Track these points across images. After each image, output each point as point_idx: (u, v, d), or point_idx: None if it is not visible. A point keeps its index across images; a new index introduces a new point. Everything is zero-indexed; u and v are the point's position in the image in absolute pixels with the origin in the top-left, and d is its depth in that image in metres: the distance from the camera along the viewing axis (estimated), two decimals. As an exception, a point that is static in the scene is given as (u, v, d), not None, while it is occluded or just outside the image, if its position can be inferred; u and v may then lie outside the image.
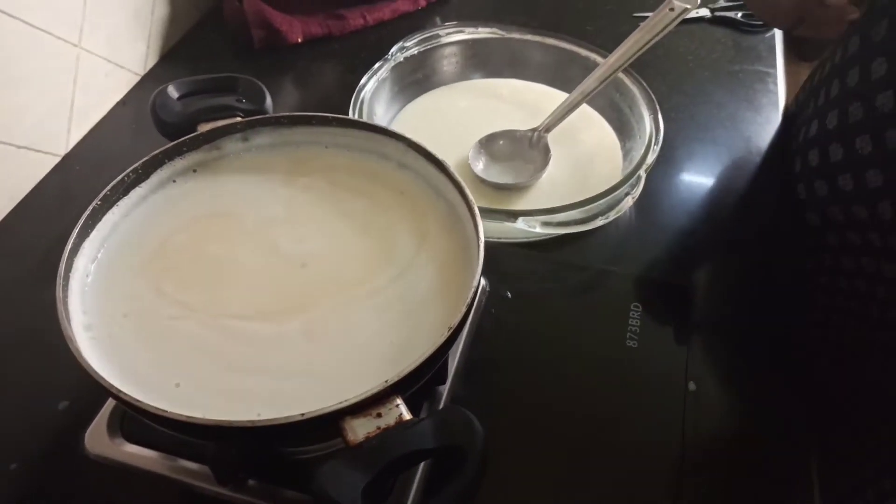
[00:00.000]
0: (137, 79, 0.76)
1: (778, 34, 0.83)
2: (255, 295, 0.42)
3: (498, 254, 0.57)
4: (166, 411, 0.34)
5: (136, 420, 0.47)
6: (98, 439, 0.46)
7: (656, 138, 0.60)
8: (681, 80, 0.77)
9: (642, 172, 0.57)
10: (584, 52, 0.70)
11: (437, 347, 0.36)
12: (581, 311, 0.55)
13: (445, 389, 0.48)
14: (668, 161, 0.66)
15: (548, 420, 0.49)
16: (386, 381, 0.34)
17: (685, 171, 0.67)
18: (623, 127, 0.67)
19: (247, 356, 0.39)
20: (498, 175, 0.64)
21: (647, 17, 0.84)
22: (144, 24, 0.76)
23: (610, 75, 0.65)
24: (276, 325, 0.40)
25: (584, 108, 0.67)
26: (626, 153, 0.65)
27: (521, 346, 0.53)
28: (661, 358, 0.51)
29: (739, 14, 0.84)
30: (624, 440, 0.48)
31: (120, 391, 0.35)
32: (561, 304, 0.56)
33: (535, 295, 0.56)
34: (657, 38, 0.64)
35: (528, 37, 0.72)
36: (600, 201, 0.55)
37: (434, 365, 0.36)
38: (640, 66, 0.65)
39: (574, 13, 0.86)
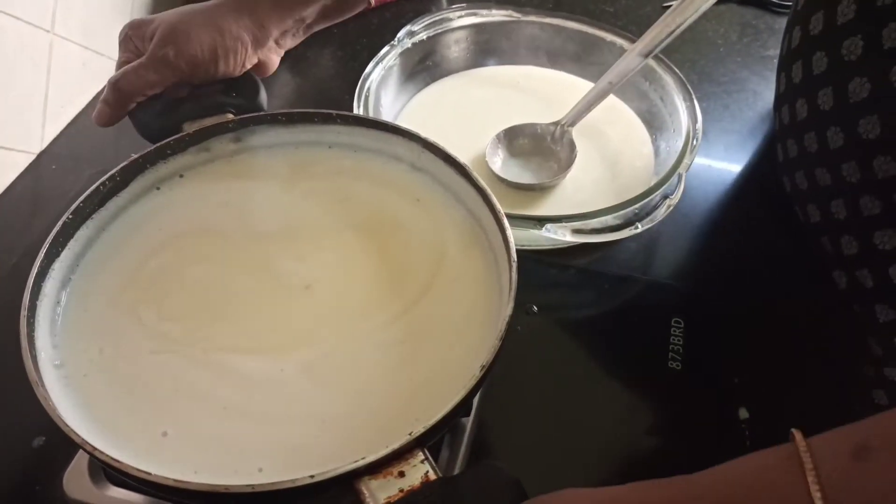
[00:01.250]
0: (119, 67, 0.70)
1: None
2: (249, 325, 0.36)
3: (519, 262, 0.52)
4: (150, 474, 0.29)
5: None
6: (78, 482, 0.41)
7: (694, 133, 0.54)
8: (711, 68, 0.71)
9: (682, 171, 0.51)
10: (609, 36, 0.64)
11: (468, 391, 0.30)
12: (615, 326, 0.49)
13: (469, 421, 0.43)
14: (703, 156, 0.60)
15: (581, 453, 0.43)
16: (410, 434, 0.29)
17: (723, 167, 0.61)
18: (654, 120, 0.61)
19: (242, 398, 0.33)
20: (518, 174, 0.58)
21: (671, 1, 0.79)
22: (125, 7, 0.69)
23: (640, 62, 0.59)
24: (274, 361, 0.35)
25: (611, 98, 0.61)
26: (658, 149, 0.60)
27: (549, 367, 0.48)
28: (709, 382, 0.46)
29: (771, -7, 0.78)
30: (668, 472, 0.42)
31: (95, 448, 0.30)
32: (592, 319, 0.50)
33: (562, 309, 0.51)
34: (690, 20, 0.58)
35: (548, 20, 0.66)
36: (636, 205, 0.49)
37: (463, 410, 0.32)
38: (665, 53, 0.59)
39: (592, -7, 0.79)
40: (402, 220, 0.41)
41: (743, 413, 0.44)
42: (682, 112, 0.57)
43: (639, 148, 0.60)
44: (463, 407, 0.31)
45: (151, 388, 0.34)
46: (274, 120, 0.44)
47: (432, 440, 0.30)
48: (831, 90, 0.45)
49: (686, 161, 0.52)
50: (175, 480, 0.28)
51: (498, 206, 0.39)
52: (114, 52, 0.70)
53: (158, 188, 0.42)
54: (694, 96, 0.56)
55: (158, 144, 0.42)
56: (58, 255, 0.37)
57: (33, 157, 0.61)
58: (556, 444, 0.44)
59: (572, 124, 0.60)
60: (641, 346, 0.48)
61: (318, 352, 0.35)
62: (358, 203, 0.42)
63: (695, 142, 0.53)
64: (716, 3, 0.76)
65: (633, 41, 0.62)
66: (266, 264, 0.39)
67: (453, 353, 0.35)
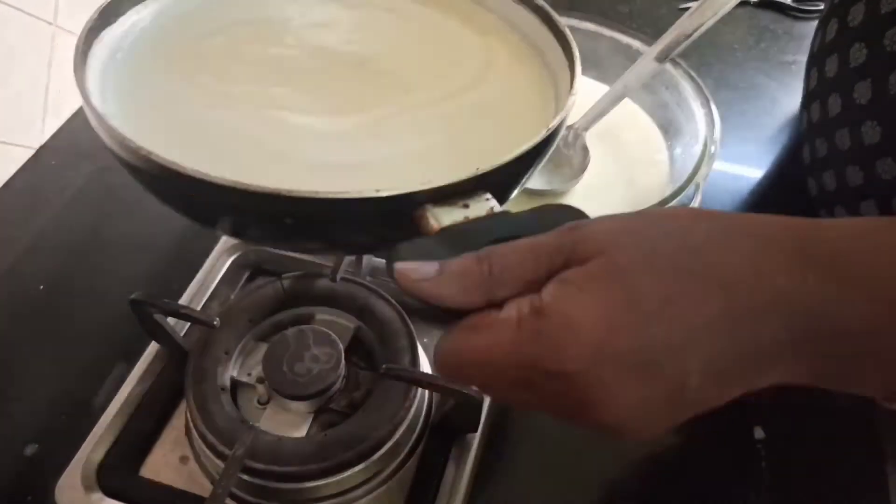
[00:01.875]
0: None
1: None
2: (308, 92, 0.35)
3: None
4: (210, 175, 0.25)
5: (115, 469, 0.41)
6: (71, 492, 0.40)
7: (712, 142, 0.52)
8: (728, 73, 0.69)
9: (699, 181, 0.50)
10: (625, 38, 0.62)
11: (535, 144, 0.29)
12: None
13: (476, 438, 0.41)
14: (720, 164, 0.59)
15: (590, 473, 0.42)
16: (477, 169, 0.27)
17: (741, 174, 0.60)
18: (670, 126, 0.60)
19: (300, 148, 0.32)
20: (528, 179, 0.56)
21: (687, 3, 0.77)
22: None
23: (656, 67, 0.57)
24: (333, 121, 0.33)
25: (626, 102, 0.60)
26: (674, 156, 0.58)
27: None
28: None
29: (790, -2, 0.76)
30: (681, 493, 0.41)
31: (150, 152, 0.26)
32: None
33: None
34: (708, 24, 0.57)
35: (561, 20, 0.64)
36: (652, 214, 0.48)
37: (527, 168, 0.31)
38: (681, 57, 0.57)
39: (606, -7, 0.78)
40: (453, 29, 0.40)
41: (758, 433, 0.43)
42: (699, 119, 0.55)
43: (654, 154, 0.58)
44: (528, 161, 0.30)
45: (203, 137, 0.32)
46: None
47: (498, 188, 0.28)
48: (870, 83, 0.43)
49: (703, 170, 0.51)
50: (235, 181, 0.25)
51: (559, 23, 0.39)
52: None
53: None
54: (712, 103, 0.55)
55: None
56: (109, 23, 0.35)
57: (33, 151, 0.60)
58: (565, 464, 0.42)
59: (585, 128, 0.58)
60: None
61: (378, 115, 0.34)
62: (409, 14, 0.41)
63: (712, 150, 0.51)
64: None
65: (649, 44, 0.60)
66: (323, 46, 0.38)
67: (516, 127, 0.35)
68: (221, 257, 0.51)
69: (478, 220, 0.26)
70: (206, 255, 0.51)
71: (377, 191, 0.25)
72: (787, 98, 0.66)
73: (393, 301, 0.44)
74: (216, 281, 0.50)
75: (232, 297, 0.49)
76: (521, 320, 0.23)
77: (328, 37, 0.39)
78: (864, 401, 0.44)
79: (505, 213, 0.27)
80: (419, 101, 0.35)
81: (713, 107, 0.55)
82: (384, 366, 0.39)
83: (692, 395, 0.23)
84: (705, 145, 0.52)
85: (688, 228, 0.24)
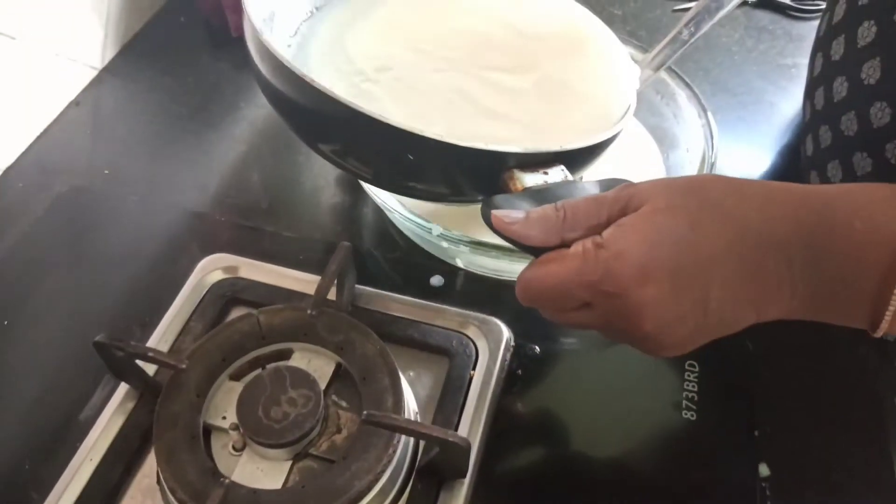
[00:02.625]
0: (94, 73, 0.65)
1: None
2: (496, 53, 0.45)
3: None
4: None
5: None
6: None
7: (711, 156, 0.50)
8: (726, 77, 0.66)
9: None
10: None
11: (605, 139, 0.40)
12: (626, 369, 0.45)
13: (465, 484, 0.39)
14: (717, 172, 0.56)
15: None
16: (560, 147, 0.36)
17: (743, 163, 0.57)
18: (665, 136, 0.57)
19: (497, 103, 0.42)
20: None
21: (681, 4, 0.74)
22: (100, 9, 0.65)
23: (651, 75, 0.55)
24: (517, 77, 0.44)
25: (620, 112, 0.57)
26: (670, 167, 0.55)
27: (552, 417, 0.44)
28: (726, 434, 0.42)
29: (789, -4, 0.73)
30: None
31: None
32: (601, 360, 0.46)
33: (569, 349, 0.47)
34: (706, 28, 0.54)
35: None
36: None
37: (595, 154, 0.41)
38: (677, 62, 0.54)
39: (599, -6, 0.75)
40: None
41: (763, 470, 0.41)
42: (696, 130, 0.53)
43: (649, 166, 0.56)
44: (597, 149, 0.40)
45: (429, 98, 0.41)
46: None
47: (572, 161, 0.37)
48: (879, 61, 0.41)
49: (708, 166, 0.48)
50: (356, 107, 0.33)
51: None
52: (89, 57, 0.66)
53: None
54: (710, 114, 0.52)
55: None
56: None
57: (-1, 172, 0.57)
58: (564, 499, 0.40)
59: (578, 142, 0.56)
60: (653, 394, 0.44)
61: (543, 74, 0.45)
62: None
63: (711, 166, 0.49)
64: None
65: (644, 51, 0.58)
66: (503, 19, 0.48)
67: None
68: (197, 286, 0.48)
69: (554, 184, 0.35)
70: (182, 281, 0.48)
71: (484, 144, 0.34)
72: (786, 103, 0.64)
73: (374, 335, 0.42)
74: (191, 311, 0.47)
75: (205, 330, 0.46)
76: (585, 252, 0.30)
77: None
78: (874, 436, 0.42)
79: (575, 182, 0.35)
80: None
81: (710, 117, 0.53)
82: (365, 413, 0.36)
83: (713, 312, 0.30)
84: (704, 160, 0.50)
85: (712, 186, 0.31)
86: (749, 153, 0.60)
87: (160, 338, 0.45)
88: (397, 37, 0.45)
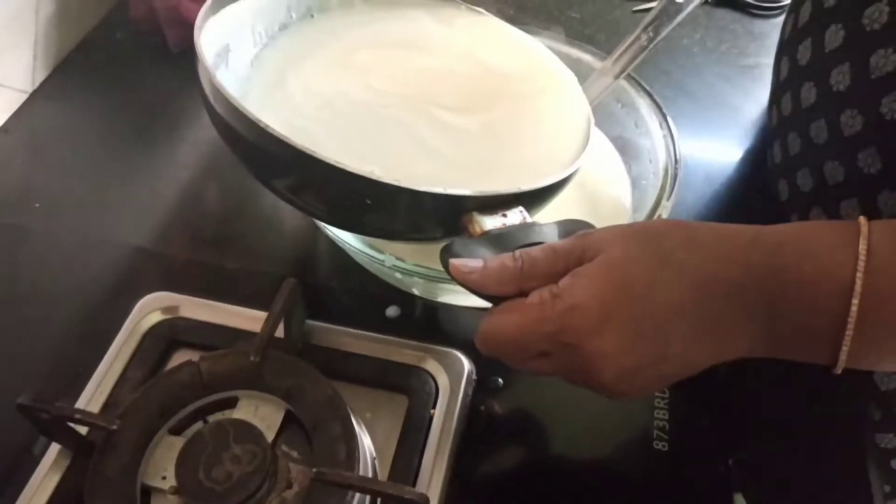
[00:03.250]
0: (24, 97, 0.61)
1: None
2: (449, 92, 0.44)
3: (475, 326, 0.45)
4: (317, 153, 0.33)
5: None
6: None
7: (674, 171, 0.48)
8: (688, 81, 0.64)
9: (663, 214, 0.45)
10: (576, 52, 0.57)
11: (563, 178, 0.40)
12: (593, 401, 0.43)
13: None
14: (681, 185, 0.54)
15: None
16: (519, 188, 0.36)
17: (703, 196, 0.56)
18: (627, 146, 0.55)
19: (442, 144, 0.41)
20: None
21: (641, 4, 0.72)
22: (27, 28, 0.61)
23: (611, 83, 0.53)
24: (466, 118, 0.43)
25: (579, 123, 0.55)
26: (634, 178, 0.53)
27: (519, 453, 0.42)
28: (700, 464, 0.40)
29: (748, -6, 0.72)
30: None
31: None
32: (566, 391, 0.43)
33: (532, 380, 0.44)
34: (666, 33, 0.52)
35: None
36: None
37: (554, 193, 0.40)
38: (637, 66, 0.53)
39: (556, -4, 0.72)
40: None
41: (740, 501, 0.39)
42: (658, 142, 0.51)
43: (614, 180, 0.54)
44: (555, 189, 0.40)
45: (372, 134, 0.40)
46: None
47: (530, 201, 0.37)
48: (848, 67, 0.40)
49: (666, 202, 0.46)
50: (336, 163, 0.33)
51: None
52: (17, 81, 0.61)
53: (313, 16, 0.48)
54: (671, 123, 0.50)
55: None
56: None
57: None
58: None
59: (537, 156, 0.53)
60: (623, 427, 0.42)
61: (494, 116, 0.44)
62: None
63: (675, 181, 0.47)
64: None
65: (602, 58, 0.55)
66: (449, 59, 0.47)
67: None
68: (134, 330, 0.45)
69: (513, 227, 0.35)
70: (119, 324, 0.45)
71: (443, 189, 0.34)
72: (750, 106, 0.62)
73: (325, 379, 0.39)
74: (128, 358, 0.44)
75: (144, 378, 0.43)
76: (542, 303, 0.31)
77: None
78: (851, 461, 0.41)
79: (534, 224, 0.36)
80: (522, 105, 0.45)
81: (672, 127, 0.51)
82: (315, 471, 0.34)
83: (673, 360, 0.30)
84: (666, 175, 0.48)
85: (665, 234, 0.32)
86: (713, 160, 0.58)
87: (95, 389, 0.42)
88: (347, 73, 0.44)
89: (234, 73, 0.44)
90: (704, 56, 0.67)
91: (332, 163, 0.33)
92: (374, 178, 0.33)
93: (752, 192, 0.54)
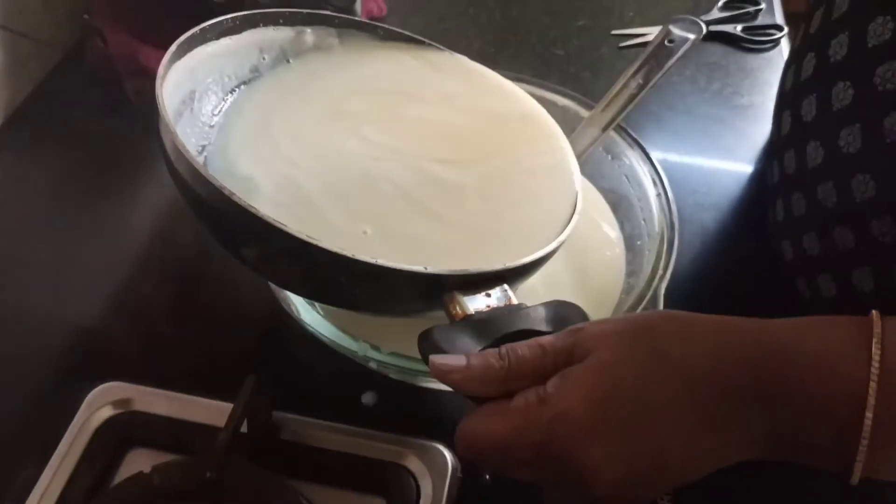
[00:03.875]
0: (-29, 153, 0.57)
1: (785, 47, 0.68)
2: (443, 145, 0.42)
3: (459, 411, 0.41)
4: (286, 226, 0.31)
5: None
6: None
7: (671, 235, 0.44)
8: (680, 124, 0.61)
9: (660, 289, 0.42)
10: (561, 100, 0.54)
11: (548, 251, 0.37)
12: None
13: None
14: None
15: None
16: (504, 265, 0.34)
17: (699, 254, 0.52)
18: (620, 202, 0.51)
19: (435, 202, 0.39)
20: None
21: (627, 34, 0.69)
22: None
23: (598, 135, 0.49)
24: (460, 173, 0.41)
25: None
26: (629, 239, 0.50)
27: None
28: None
29: (739, 27, 0.69)
30: None
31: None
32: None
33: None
34: (658, 79, 0.49)
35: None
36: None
37: (539, 266, 0.38)
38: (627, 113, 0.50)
39: (538, 31, 0.69)
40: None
41: None
42: (652, 201, 0.47)
43: (605, 241, 0.50)
44: (541, 262, 0.37)
45: (363, 191, 0.38)
46: (373, 30, 0.47)
47: (517, 276, 0.36)
48: (859, 129, 0.37)
49: (662, 271, 0.43)
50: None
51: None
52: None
53: (288, 61, 0.45)
54: (666, 184, 0.47)
55: (275, 10, 0.45)
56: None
57: None
58: None
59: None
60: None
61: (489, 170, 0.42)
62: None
63: (671, 249, 0.43)
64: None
65: (589, 106, 0.52)
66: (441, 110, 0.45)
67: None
68: (83, 428, 0.40)
69: (497, 309, 0.33)
70: (67, 421, 0.41)
71: (425, 268, 0.32)
72: (744, 150, 0.59)
73: (293, 489, 0.35)
74: (76, 461, 0.39)
75: (94, 483, 0.39)
76: (528, 408, 0.28)
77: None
78: None
79: (519, 307, 0.33)
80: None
81: (666, 185, 0.47)
82: None
83: (673, 467, 0.28)
84: (662, 241, 0.44)
85: (660, 331, 0.30)
86: (708, 211, 0.55)
87: (39, 499, 0.38)
88: (340, 122, 0.42)
89: (200, 120, 0.41)
90: (696, 96, 0.64)
91: (305, 239, 0.31)
92: (350, 256, 0.31)
93: (752, 250, 0.50)
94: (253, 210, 0.31)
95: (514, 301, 0.34)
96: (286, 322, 0.46)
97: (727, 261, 0.52)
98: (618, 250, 0.50)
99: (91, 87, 0.62)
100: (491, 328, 0.32)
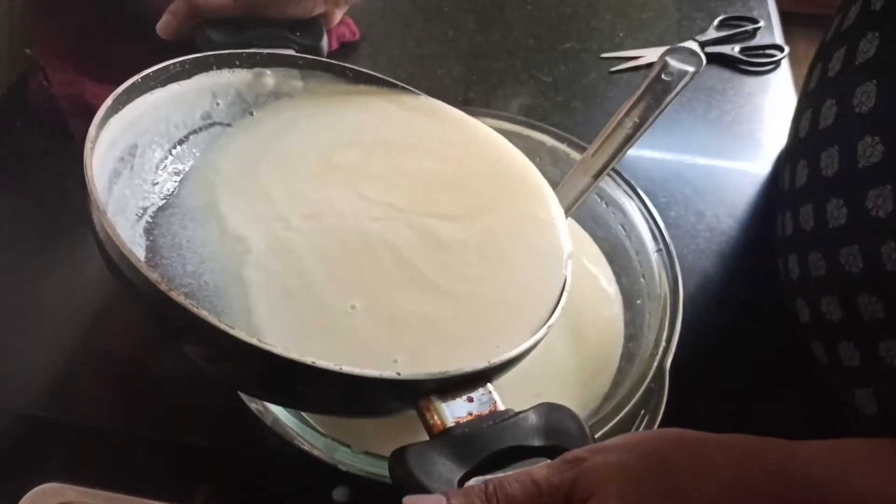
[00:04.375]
0: None
1: (786, 69, 0.64)
2: (440, 200, 0.39)
3: None
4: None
5: None
6: None
7: (675, 300, 0.40)
8: (676, 160, 0.57)
9: (666, 362, 0.37)
10: (550, 140, 0.49)
11: (533, 343, 0.34)
12: None
13: None
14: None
15: None
16: (489, 362, 0.31)
17: (708, 299, 0.48)
18: (615, 253, 0.47)
19: (432, 268, 0.36)
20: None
21: (618, 57, 0.64)
22: None
23: (590, 184, 0.45)
24: (462, 228, 0.38)
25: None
26: (627, 295, 0.45)
27: None
28: None
29: (736, 48, 0.64)
30: None
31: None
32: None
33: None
34: (656, 118, 0.45)
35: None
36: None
37: (524, 357, 0.34)
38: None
39: (523, 56, 0.64)
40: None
41: None
42: (652, 257, 0.43)
43: (602, 297, 0.46)
44: (525, 354, 0.33)
45: (357, 255, 0.35)
46: (341, 72, 0.44)
47: (501, 371, 0.32)
48: (890, 190, 0.33)
49: (666, 343, 0.38)
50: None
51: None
52: None
53: (252, 113, 0.42)
54: (668, 240, 0.42)
55: (230, 52, 0.41)
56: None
57: None
58: None
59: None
60: None
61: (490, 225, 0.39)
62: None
63: (676, 318, 0.39)
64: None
65: (580, 149, 0.48)
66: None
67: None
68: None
69: (481, 419, 0.29)
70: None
71: (395, 373, 0.29)
72: (748, 185, 0.55)
73: None
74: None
75: None
76: None
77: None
78: None
79: (505, 416, 0.29)
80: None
81: (668, 240, 0.43)
82: None
83: None
84: (665, 307, 0.40)
85: (672, 463, 0.26)
86: (712, 264, 0.50)
87: None
88: (334, 177, 0.39)
89: (141, 177, 0.37)
90: (693, 124, 0.59)
91: (258, 345, 0.27)
92: (309, 363, 0.27)
93: (764, 308, 0.46)
94: (196, 312, 0.27)
95: (500, 405, 0.30)
96: (244, 409, 0.42)
97: (736, 315, 0.47)
98: (616, 309, 0.45)
99: (37, 127, 0.57)
100: (475, 447, 0.28)
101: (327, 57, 0.45)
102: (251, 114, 0.42)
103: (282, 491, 0.39)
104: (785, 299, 0.44)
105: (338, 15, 0.53)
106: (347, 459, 0.34)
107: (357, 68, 0.44)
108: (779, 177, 0.45)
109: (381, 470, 0.34)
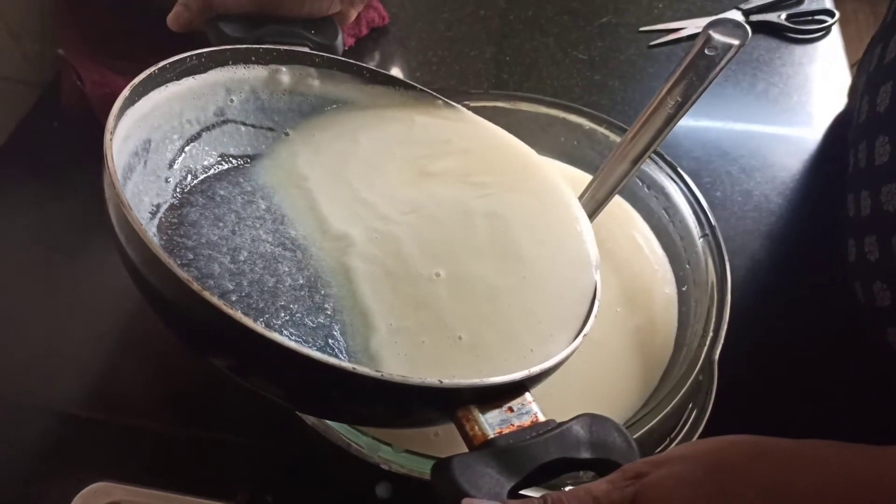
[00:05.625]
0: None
1: (837, 35, 0.61)
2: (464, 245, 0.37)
3: None
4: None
5: None
6: None
7: (721, 288, 0.38)
8: (721, 137, 0.54)
9: (714, 354, 0.36)
10: (588, 123, 0.47)
11: (571, 351, 0.33)
12: None
13: None
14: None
15: None
16: (529, 372, 0.30)
17: (758, 281, 0.46)
18: (663, 238, 0.45)
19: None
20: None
21: (657, 30, 0.62)
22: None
23: (631, 169, 0.43)
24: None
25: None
26: (680, 279, 0.44)
27: None
28: None
29: (783, 15, 0.61)
30: None
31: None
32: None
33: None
34: (699, 96, 0.43)
35: (496, 103, 0.49)
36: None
37: (560, 366, 0.32)
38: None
39: (557, 34, 0.62)
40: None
41: None
42: (697, 242, 0.41)
43: (660, 283, 0.44)
44: (563, 362, 0.32)
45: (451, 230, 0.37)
46: (359, 72, 0.42)
47: (538, 382, 0.31)
48: None
49: (713, 334, 0.37)
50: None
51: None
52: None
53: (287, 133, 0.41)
54: (716, 228, 0.41)
55: (246, 46, 0.40)
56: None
57: None
58: None
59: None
60: None
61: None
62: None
63: (724, 308, 0.37)
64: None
65: (620, 131, 0.46)
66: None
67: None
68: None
69: (523, 430, 0.28)
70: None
71: (440, 381, 0.27)
72: (797, 164, 0.52)
73: None
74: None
75: None
76: None
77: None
78: None
79: (548, 427, 0.28)
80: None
81: (715, 229, 0.41)
82: None
83: None
84: (712, 298, 0.38)
85: (743, 477, 0.23)
86: (764, 255, 0.47)
87: None
88: (431, 180, 0.39)
89: (155, 174, 0.37)
90: (738, 98, 0.57)
91: (294, 348, 0.26)
92: (350, 369, 0.26)
93: (821, 293, 0.44)
94: (225, 309, 0.26)
95: (541, 417, 0.29)
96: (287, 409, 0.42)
97: (790, 304, 0.45)
98: (668, 290, 0.44)
99: (75, 127, 0.57)
100: (521, 459, 0.27)
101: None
102: (286, 134, 0.42)
103: (327, 490, 0.39)
104: (849, 283, 0.41)
105: (353, 14, 0.52)
106: (390, 457, 0.33)
107: (374, 69, 0.42)
108: (849, 154, 0.43)
109: (423, 467, 0.33)
